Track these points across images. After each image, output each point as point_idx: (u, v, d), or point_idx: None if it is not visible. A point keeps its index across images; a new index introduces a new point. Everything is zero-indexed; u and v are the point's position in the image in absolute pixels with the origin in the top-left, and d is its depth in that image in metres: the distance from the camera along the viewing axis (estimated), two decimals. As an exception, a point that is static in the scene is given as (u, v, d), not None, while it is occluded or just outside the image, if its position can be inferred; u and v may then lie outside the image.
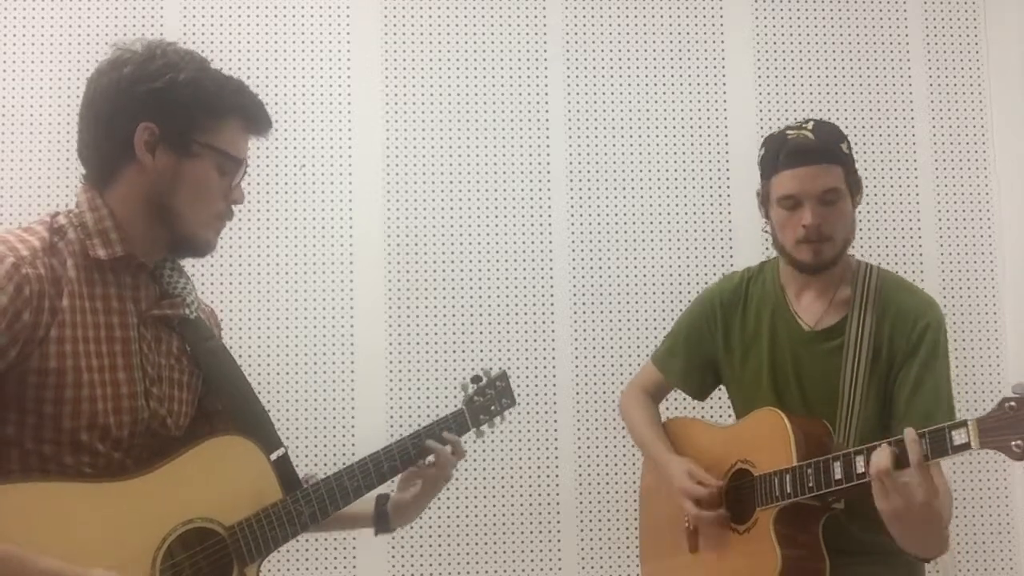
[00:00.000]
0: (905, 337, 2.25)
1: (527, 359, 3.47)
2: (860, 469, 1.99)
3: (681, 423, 2.60)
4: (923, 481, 1.89)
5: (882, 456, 1.92)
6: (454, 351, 3.45)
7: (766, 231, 2.38)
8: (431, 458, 2.08)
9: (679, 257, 3.56)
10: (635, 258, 3.55)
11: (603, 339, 3.51)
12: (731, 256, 3.52)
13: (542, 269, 3.52)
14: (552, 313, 3.51)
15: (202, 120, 1.74)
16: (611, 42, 3.61)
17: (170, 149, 1.73)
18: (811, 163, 2.24)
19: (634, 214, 3.56)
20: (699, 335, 2.52)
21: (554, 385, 3.48)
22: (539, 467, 3.46)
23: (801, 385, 2.33)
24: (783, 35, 3.65)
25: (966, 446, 1.82)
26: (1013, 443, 1.76)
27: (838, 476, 2.04)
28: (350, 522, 2.15)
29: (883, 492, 1.92)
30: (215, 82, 1.76)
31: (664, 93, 3.61)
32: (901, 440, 1.92)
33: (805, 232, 2.24)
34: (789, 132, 2.30)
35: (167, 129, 1.72)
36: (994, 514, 3.52)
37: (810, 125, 2.30)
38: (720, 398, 2.62)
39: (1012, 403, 1.77)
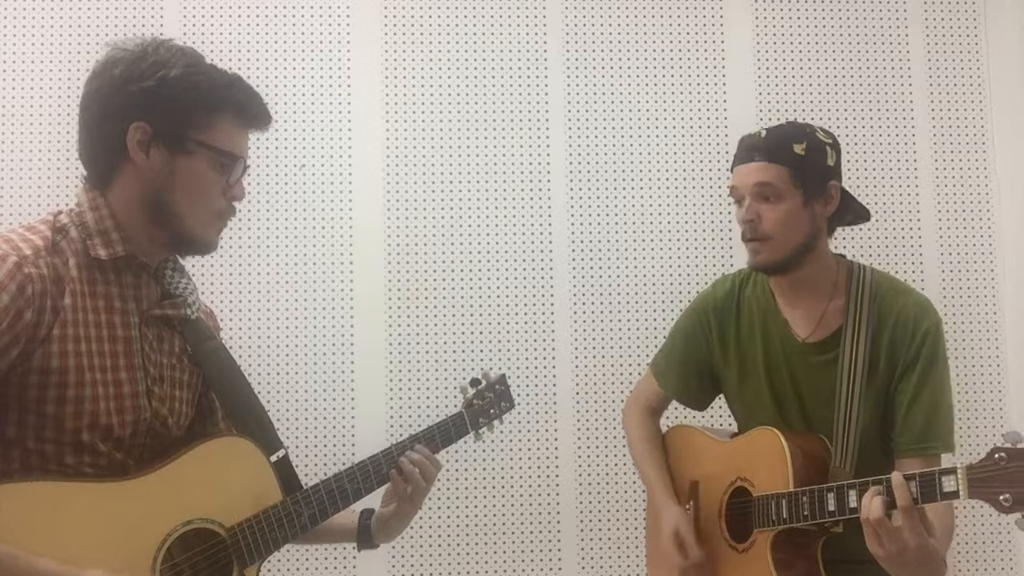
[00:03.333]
0: (906, 346, 2.22)
1: (527, 360, 3.47)
2: (852, 504, 1.98)
3: (683, 433, 2.57)
4: (914, 527, 1.86)
5: (872, 504, 1.89)
6: (454, 351, 3.45)
7: None
8: (406, 465, 2.02)
9: (679, 257, 3.56)
10: (635, 258, 3.55)
11: (603, 339, 3.51)
12: (731, 256, 3.52)
13: (542, 269, 3.52)
14: (552, 313, 3.51)
15: (195, 117, 1.73)
16: (611, 42, 3.61)
17: (164, 148, 1.72)
18: (752, 160, 2.25)
19: (634, 214, 3.56)
20: (695, 343, 2.49)
21: (554, 386, 3.48)
22: (539, 468, 3.46)
23: (800, 398, 2.31)
24: (783, 35, 3.65)
25: (955, 494, 1.78)
26: (1001, 497, 1.71)
27: (831, 508, 2.03)
28: (333, 536, 2.11)
29: (875, 539, 1.89)
30: (207, 78, 1.75)
31: (664, 93, 3.61)
32: (891, 480, 1.89)
33: (743, 229, 2.26)
34: (752, 132, 2.33)
35: (160, 127, 1.71)
36: (994, 513, 3.51)
37: (774, 125, 2.32)
38: (722, 404, 2.61)
39: (1002, 454, 1.72)
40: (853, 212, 2.35)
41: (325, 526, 1.94)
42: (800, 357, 2.30)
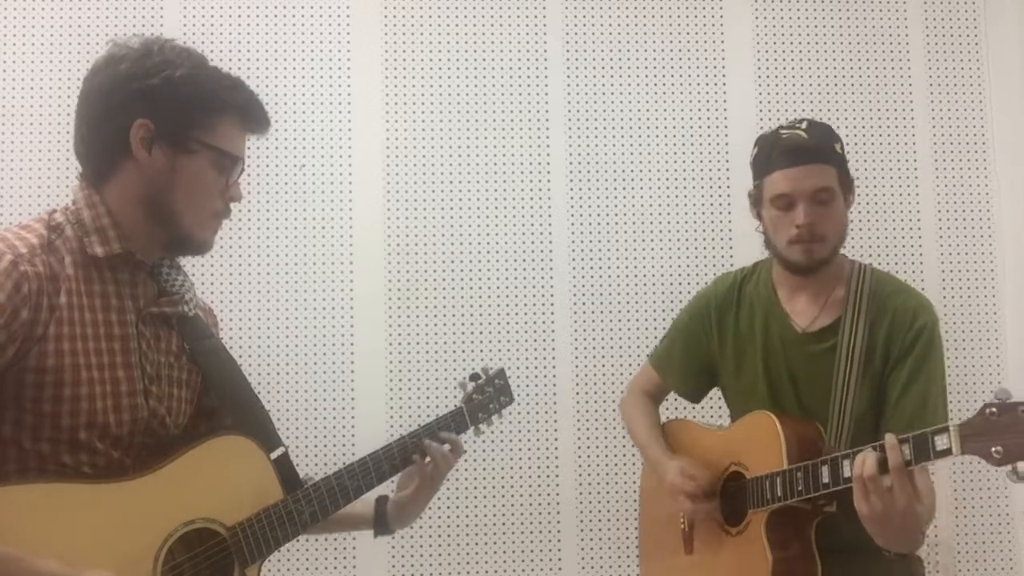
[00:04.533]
0: (901, 339, 2.25)
1: (527, 359, 3.47)
2: (847, 473, 1.99)
3: (678, 426, 2.61)
4: (904, 486, 1.88)
5: (865, 461, 1.91)
6: (454, 351, 3.45)
7: (759, 231, 2.38)
8: (435, 449, 2.07)
9: (679, 257, 3.56)
10: (635, 258, 3.55)
11: (603, 339, 3.51)
12: (731, 256, 3.52)
13: (542, 269, 3.52)
14: (552, 313, 3.51)
15: (199, 117, 1.74)
16: (611, 42, 3.61)
17: (166, 146, 1.72)
18: (805, 162, 2.23)
19: (634, 214, 3.56)
20: (695, 338, 2.52)
21: (554, 385, 3.48)
22: (539, 467, 3.46)
23: (796, 387, 2.33)
24: (783, 35, 3.65)
25: (948, 452, 1.81)
26: (993, 449, 1.74)
27: (825, 480, 2.04)
28: (349, 524, 2.14)
29: (864, 495, 1.91)
30: (212, 79, 1.76)
31: (664, 93, 3.61)
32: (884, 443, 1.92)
33: (798, 232, 2.24)
34: (783, 131, 2.30)
35: (163, 126, 1.71)
36: (994, 513, 3.52)
37: (803, 124, 2.29)
38: (718, 400, 2.62)
39: (993, 409, 1.75)
40: None
41: (341, 514, 1.95)
42: (798, 346, 2.33)
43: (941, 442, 1.82)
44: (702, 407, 2.74)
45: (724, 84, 3.63)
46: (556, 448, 3.47)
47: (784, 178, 2.25)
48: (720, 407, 2.62)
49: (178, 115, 1.72)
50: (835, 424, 2.22)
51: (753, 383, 2.39)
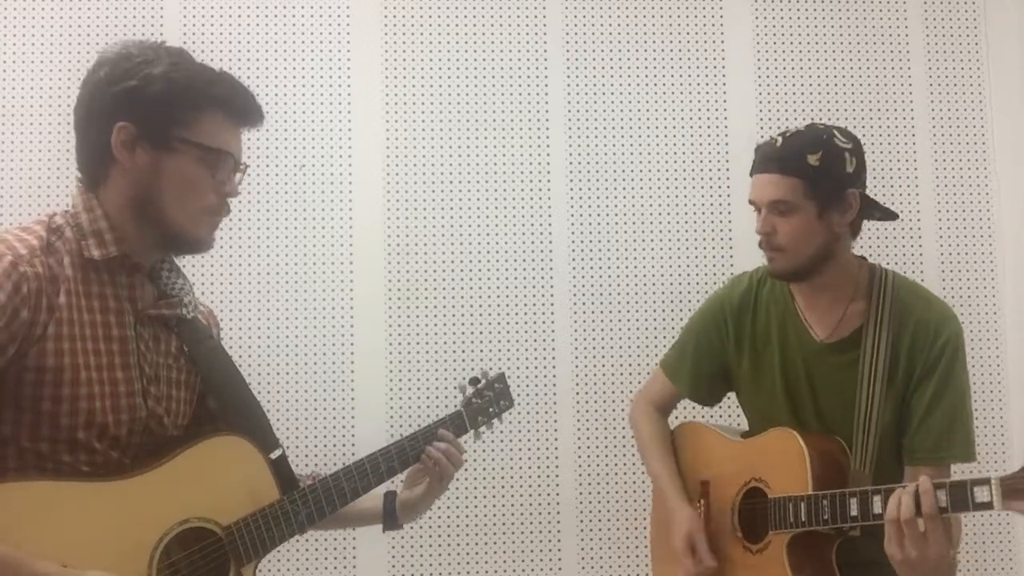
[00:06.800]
0: (924, 354, 2.21)
1: (527, 359, 3.47)
2: (877, 510, 1.96)
3: (692, 430, 2.56)
4: (937, 532, 1.84)
5: (902, 503, 1.87)
6: (454, 351, 3.45)
7: None
8: (433, 452, 2.09)
9: (679, 257, 3.56)
10: (635, 258, 3.55)
11: (603, 339, 3.51)
12: (731, 257, 3.52)
13: (542, 269, 3.52)
14: (552, 313, 3.51)
15: (178, 114, 1.73)
16: (611, 42, 3.61)
17: (148, 146, 1.73)
18: (767, 171, 2.25)
19: (634, 214, 3.56)
20: (708, 342, 2.48)
21: (554, 385, 3.48)
22: (539, 467, 3.46)
23: (816, 398, 2.30)
24: (783, 35, 3.65)
25: (988, 505, 1.76)
26: None
27: (854, 513, 2.01)
28: (358, 519, 2.16)
29: (897, 539, 1.88)
30: (189, 75, 1.75)
31: (664, 93, 3.61)
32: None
33: (760, 239, 2.27)
34: (774, 137, 2.29)
35: (144, 126, 1.72)
36: (994, 513, 3.51)
37: (789, 132, 2.27)
38: (730, 402, 2.61)
39: None
40: (880, 211, 2.34)
41: (349, 510, 1.97)
42: (818, 358, 2.29)
43: (981, 494, 1.77)
44: (715, 410, 2.72)
45: (724, 84, 3.63)
46: (556, 448, 3.47)
47: (752, 184, 2.30)
48: (734, 412, 2.60)
49: (157, 114, 1.72)
50: (860, 441, 2.19)
51: (771, 391, 2.36)
